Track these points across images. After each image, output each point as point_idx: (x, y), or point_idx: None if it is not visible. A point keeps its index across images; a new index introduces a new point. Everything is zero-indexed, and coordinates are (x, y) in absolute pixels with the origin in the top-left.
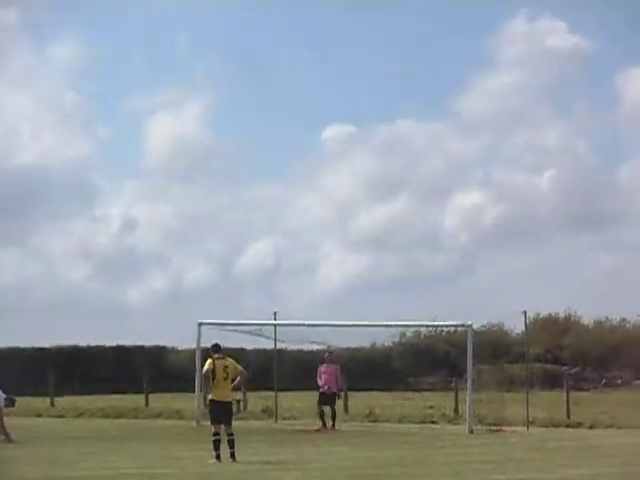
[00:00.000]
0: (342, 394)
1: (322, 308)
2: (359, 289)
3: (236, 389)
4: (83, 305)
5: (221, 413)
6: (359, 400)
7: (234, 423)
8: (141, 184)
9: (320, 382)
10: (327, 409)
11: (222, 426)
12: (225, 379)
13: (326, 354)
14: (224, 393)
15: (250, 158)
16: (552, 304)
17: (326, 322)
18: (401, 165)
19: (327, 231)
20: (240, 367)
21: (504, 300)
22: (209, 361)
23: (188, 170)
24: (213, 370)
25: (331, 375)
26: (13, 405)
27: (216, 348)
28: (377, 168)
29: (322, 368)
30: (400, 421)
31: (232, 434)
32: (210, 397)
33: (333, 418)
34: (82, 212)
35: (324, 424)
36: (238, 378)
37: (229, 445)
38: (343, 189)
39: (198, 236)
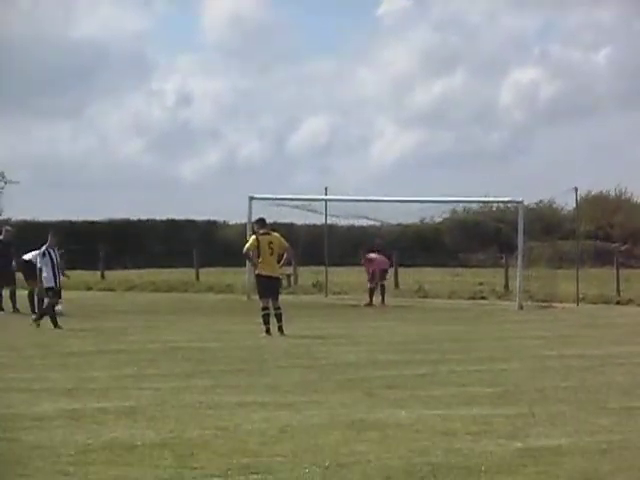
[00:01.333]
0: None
1: (374, 184)
2: (412, 165)
3: (286, 264)
4: (137, 179)
5: (268, 288)
6: (409, 276)
7: (285, 297)
8: (197, 59)
9: (369, 269)
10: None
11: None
12: (271, 254)
13: (375, 243)
14: (271, 268)
15: (306, 33)
16: (603, 182)
17: (376, 198)
18: (458, 40)
19: (381, 107)
20: (285, 242)
21: (556, 177)
22: (252, 238)
23: (244, 45)
24: (257, 246)
25: (379, 260)
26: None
27: (261, 223)
28: (433, 43)
29: (371, 255)
30: (450, 297)
31: (279, 308)
32: (257, 272)
33: (382, 293)
34: (138, 86)
35: (371, 300)
36: (285, 255)
37: (277, 319)
38: (399, 65)
39: (252, 111)
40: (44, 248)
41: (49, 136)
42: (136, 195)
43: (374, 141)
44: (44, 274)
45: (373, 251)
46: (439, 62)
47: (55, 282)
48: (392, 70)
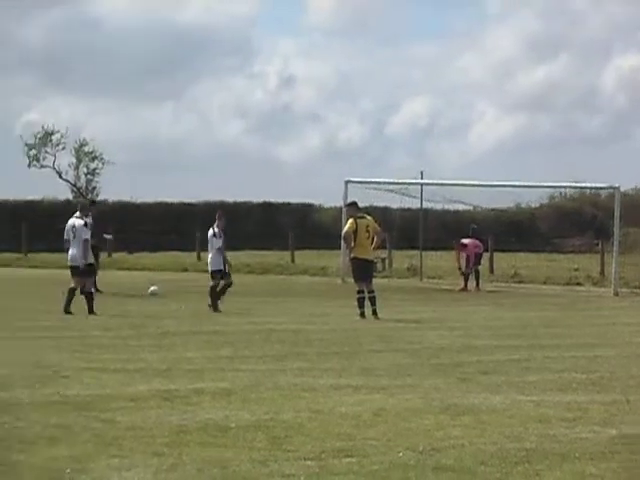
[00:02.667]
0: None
1: (472, 169)
2: (510, 151)
3: (380, 247)
4: (237, 161)
5: (364, 271)
6: (504, 261)
7: (379, 281)
8: (300, 41)
9: (462, 256)
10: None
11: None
12: (367, 238)
13: (471, 228)
14: (367, 251)
15: (410, 16)
16: None
17: (471, 182)
18: (562, 26)
19: (483, 91)
20: (377, 226)
21: None
22: (350, 221)
23: (347, 27)
24: (355, 230)
25: (472, 245)
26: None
27: (355, 207)
28: (537, 29)
29: (465, 240)
30: (545, 282)
31: (373, 291)
32: (353, 255)
33: (477, 278)
34: (240, 68)
35: (466, 284)
36: (375, 238)
37: (370, 302)
38: (502, 49)
39: (354, 94)
40: (217, 229)
41: (151, 118)
42: (235, 177)
43: (473, 125)
44: (211, 257)
45: (468, 236)
46: (542, 47)
47: (224, 265)
48: (495, 55)
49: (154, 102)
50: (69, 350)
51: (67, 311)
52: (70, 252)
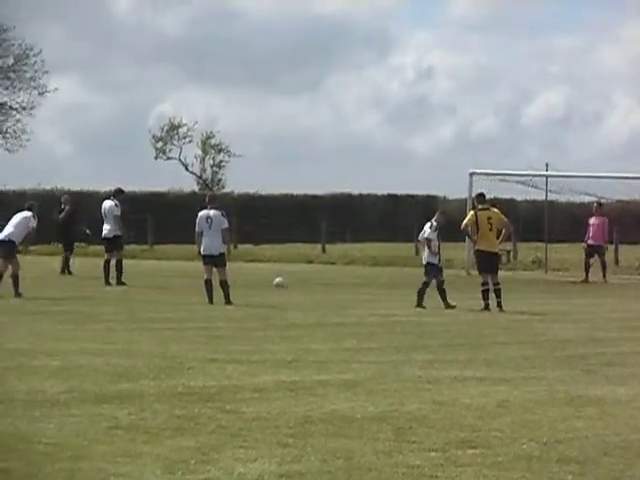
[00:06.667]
0: (608, 246)
1: (603, 160)
2: None
3: (505, 240)
4: (366, 153)
5: (487, 263)
6: (630, 253)
7: (504, 273)
8: (438, 33)
9: (588, 235)
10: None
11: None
12: (490, 230)
13: (595, 205)
14: (489, 243)
15: (551, 8)
16: None
17: (596, 174)
18: None
19: (621, 83)
20: (504, 218)
21: None
22: (470, 213)
23: (487, 20)
24: (475, 222)
25: (598, 227)
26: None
27: (481, 199)
28: None
29: (591, 220)
30: None
31: (498, 284)
32: (476, 248)
33: (603, 269)
34: (378, 60)
35: (587, 277)
36: (503, 231)
37: (495, 294)
38: None
39: (490, 86)
40: (435, 223)
41: (286, 110)
42: (364, 169)
43: (608, 117)
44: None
45: (592, 215)
46: None
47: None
48: (635, 47)
49: (290, 94)
50: (194, 342)
51: (211, 302)
52: (205, 241)
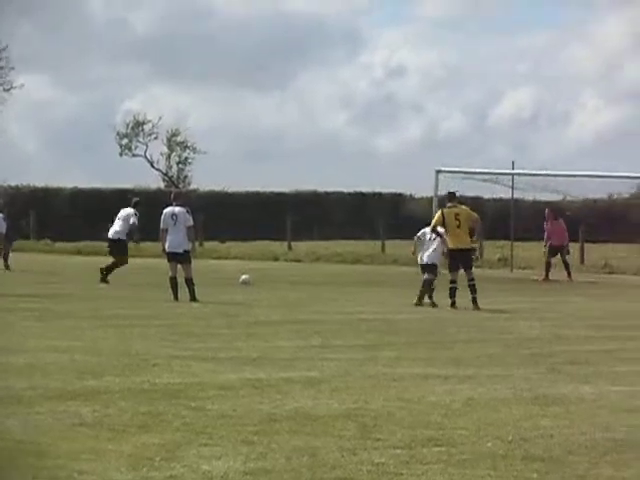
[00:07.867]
0: (570, 249)
1: (572, 159)
2: (609, 142)
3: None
4: (334, 152)
5: (458, 260)
6: (595, 251)
7: None
8: (407, 32)
9: (547, 237)
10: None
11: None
12: (458, 227)
13: (547, 212)
14: (459, 240)
15: (517, 6)
16: None
17: (562, 172)
18: None
19: (588, 82)
20: (474, 214)
21: None
22: (438, 213)
23: (455, 18)
24: (442, 220)
25: (556, 230)
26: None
27: (450, 196)
28: None
29: (546, 226)
30: (636, 273)
31: (473, 279)
32: (448, 247)
33: (567, 268)
34: (347, 59)
35: (547, 275)
36: (472, 225)
37: (470, 290)
38: (611, 41)
39: (458, 85)
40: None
41: (256, 108)
42: (331, 167)
43: (575, 117)
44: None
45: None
46: None
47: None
48: (604, 46)
49: (260, 92)
50: (159, 339)
51: (176, 299)
52: (170, 239)
